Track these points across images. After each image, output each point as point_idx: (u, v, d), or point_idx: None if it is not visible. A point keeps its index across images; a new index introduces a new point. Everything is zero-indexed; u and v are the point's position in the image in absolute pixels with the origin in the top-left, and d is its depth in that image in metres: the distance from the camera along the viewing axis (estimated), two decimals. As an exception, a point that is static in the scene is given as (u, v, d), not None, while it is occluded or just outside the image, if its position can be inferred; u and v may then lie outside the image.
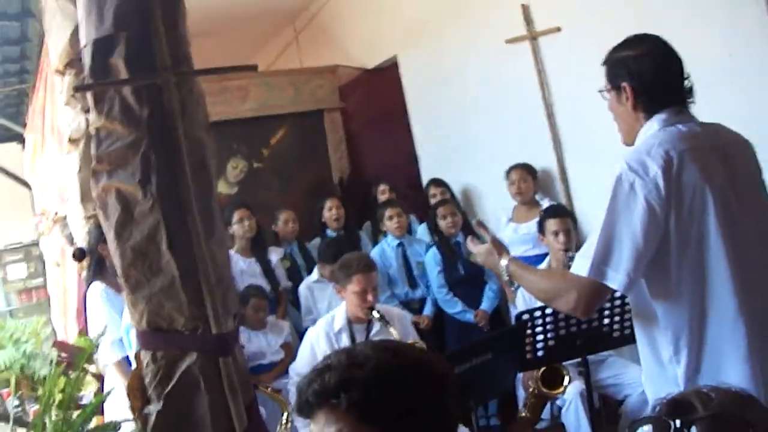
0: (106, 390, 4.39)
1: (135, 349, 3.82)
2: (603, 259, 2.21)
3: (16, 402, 6.69)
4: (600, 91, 2.48)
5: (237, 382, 2.25)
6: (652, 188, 2.18)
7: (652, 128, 2.33)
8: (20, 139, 10.05)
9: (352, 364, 1.41)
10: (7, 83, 8.76)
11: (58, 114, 5.99)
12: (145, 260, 2.19)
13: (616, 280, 2.21)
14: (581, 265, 2.27)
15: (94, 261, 4.27)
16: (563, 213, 4.77)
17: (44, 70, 6.92)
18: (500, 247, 2.68)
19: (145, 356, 2.30)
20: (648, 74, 2.33)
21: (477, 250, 2.75)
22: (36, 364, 8.76)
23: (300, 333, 5.13)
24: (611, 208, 2.23)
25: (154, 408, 2.29)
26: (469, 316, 5.47)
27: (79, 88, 2.29)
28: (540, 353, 3.61)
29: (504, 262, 2.61)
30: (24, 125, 9.27)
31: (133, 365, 3.96)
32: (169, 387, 2.25)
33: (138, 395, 2.35)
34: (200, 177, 2.24)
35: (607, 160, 2.33)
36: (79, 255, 4.50)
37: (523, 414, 4.27)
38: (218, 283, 2.19)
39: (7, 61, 7.89)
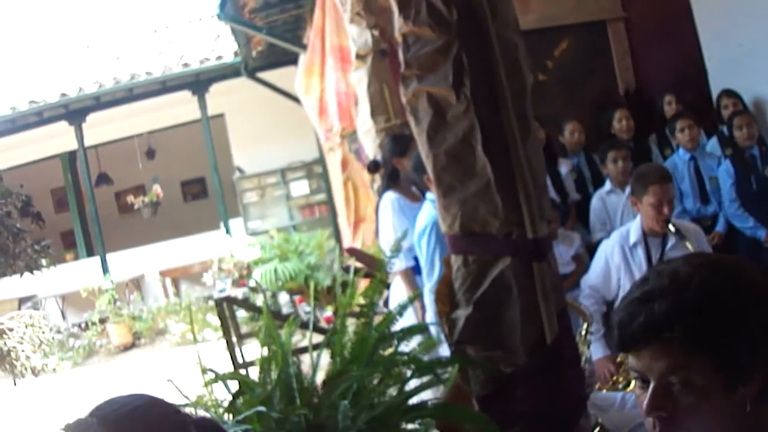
0: (391, 298, 4.56)
1: (424, 257, 3.93)
2: None
3: (308, 309, 7.16)
4: None
5: (550, 288, 2.19)
6: None
7: None
8: (297, 63, 10.52)
9: (677, 288, 1.29)
10: (283, 10, 9.22)
11: (340, 32, 6.18)
12: (459, 163, 2.16)
13: None
14: None
15: (387, 172, 4.40)
16: None
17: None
18: None
19: (456, 260, 2.29)
20: None
21: None
22: (320, 275, 9.36)
23: (588, 246, 5.09)
24: None
25: (463, 312, 2.28)
26: (761, 233, 5.22)
27: (386, -6, 2.28)
28: None
29: None
30: (303, 47, 9.70)
31: (421, 274, 4.07)
32: (480, 292, 2.22)
33: (446, 300, 2.37)
34: (514, 79, 2.18)
35: None
36: (373, 167, 4.66)
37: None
38: (534, 186, 2.13)
39: (285, -13, 8.27)
